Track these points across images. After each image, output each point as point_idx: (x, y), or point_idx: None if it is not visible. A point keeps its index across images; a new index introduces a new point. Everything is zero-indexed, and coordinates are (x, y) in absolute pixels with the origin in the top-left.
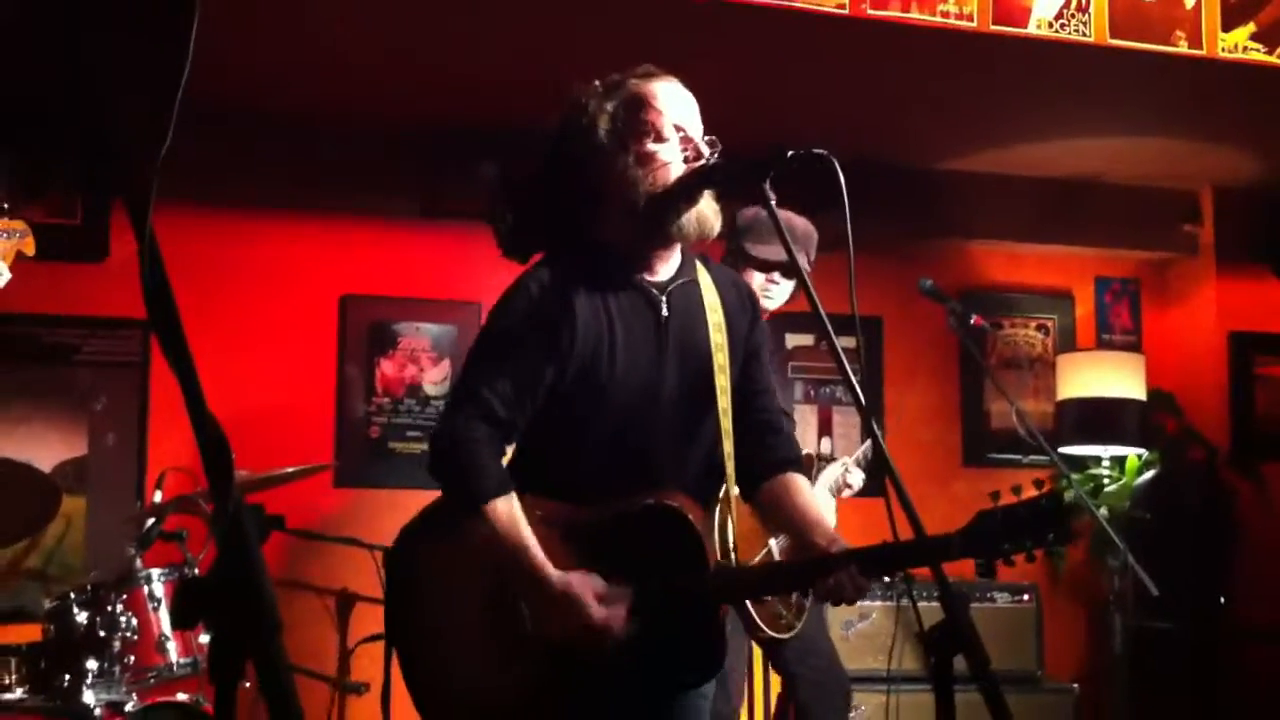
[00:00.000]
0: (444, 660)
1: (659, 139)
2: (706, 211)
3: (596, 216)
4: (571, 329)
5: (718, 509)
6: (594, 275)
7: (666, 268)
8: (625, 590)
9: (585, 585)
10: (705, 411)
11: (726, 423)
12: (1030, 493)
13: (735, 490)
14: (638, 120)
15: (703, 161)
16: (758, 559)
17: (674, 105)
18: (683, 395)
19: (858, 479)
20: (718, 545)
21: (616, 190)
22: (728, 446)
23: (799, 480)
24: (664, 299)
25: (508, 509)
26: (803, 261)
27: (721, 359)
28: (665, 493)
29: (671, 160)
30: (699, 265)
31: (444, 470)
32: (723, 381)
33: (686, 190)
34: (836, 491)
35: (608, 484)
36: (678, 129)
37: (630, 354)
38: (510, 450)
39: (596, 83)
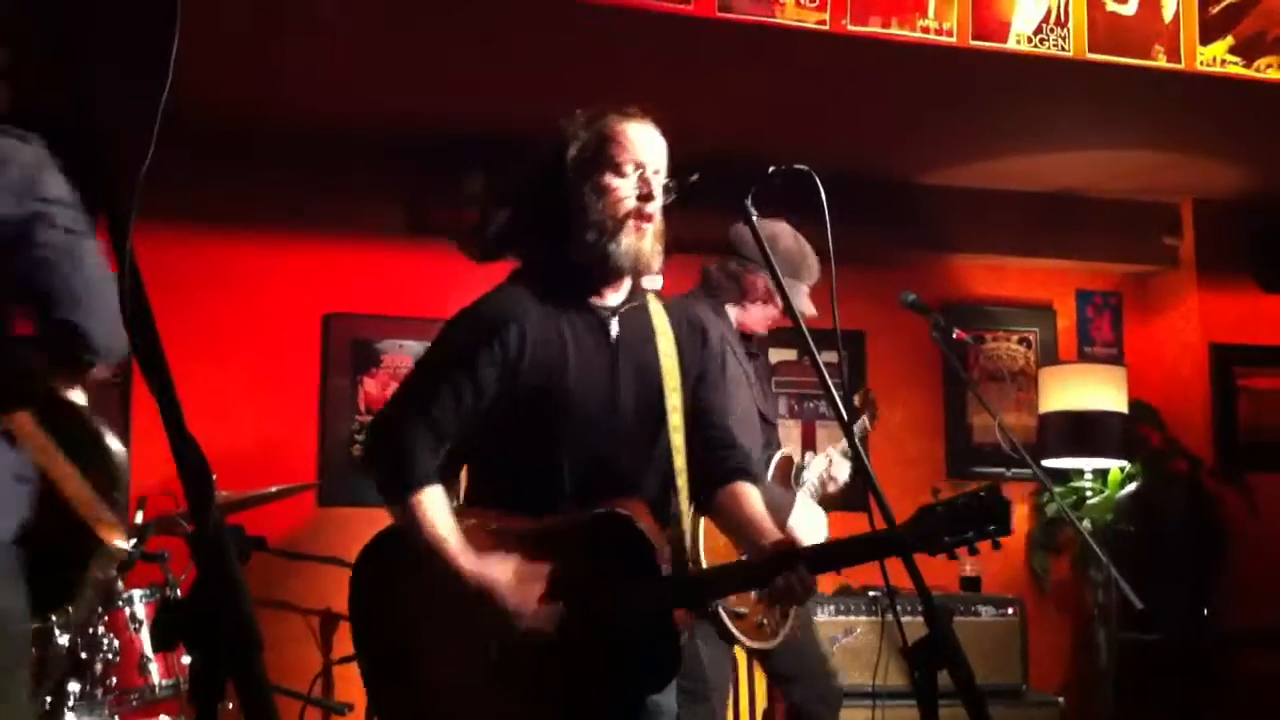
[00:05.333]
0: (413, 676)
1: (618, 173)
2: (644, 247)
3: (562, 234)
4: (521, 340)
5: (686, 521)
6: (549, 293)
7: (615, 296)
8: (542, 568)
9: (501, 569)
10: (659, 427)
11: (678, 438)
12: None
13: (686, 504)
14: (602, 153)
15: (656, 201)
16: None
17: (639, 145)
18: (637, 411)
19: (843, 471)
20: (689, 553)
21: (574, 213)
22: (679, 462)
23: (747, 488)
24: (614, 319)
25: (432, 500)
26: (803, 286)
27: (673, 380)
28: (618, 500)
29: (626, 196)
30: (649, 297)
31: (376, 456)
32: (674, 400)
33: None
34: (823, 485)
35: (568, 497)
36: (637, 166)
37: (584, 369)
38: (466, 468)
39: (579, 112)
